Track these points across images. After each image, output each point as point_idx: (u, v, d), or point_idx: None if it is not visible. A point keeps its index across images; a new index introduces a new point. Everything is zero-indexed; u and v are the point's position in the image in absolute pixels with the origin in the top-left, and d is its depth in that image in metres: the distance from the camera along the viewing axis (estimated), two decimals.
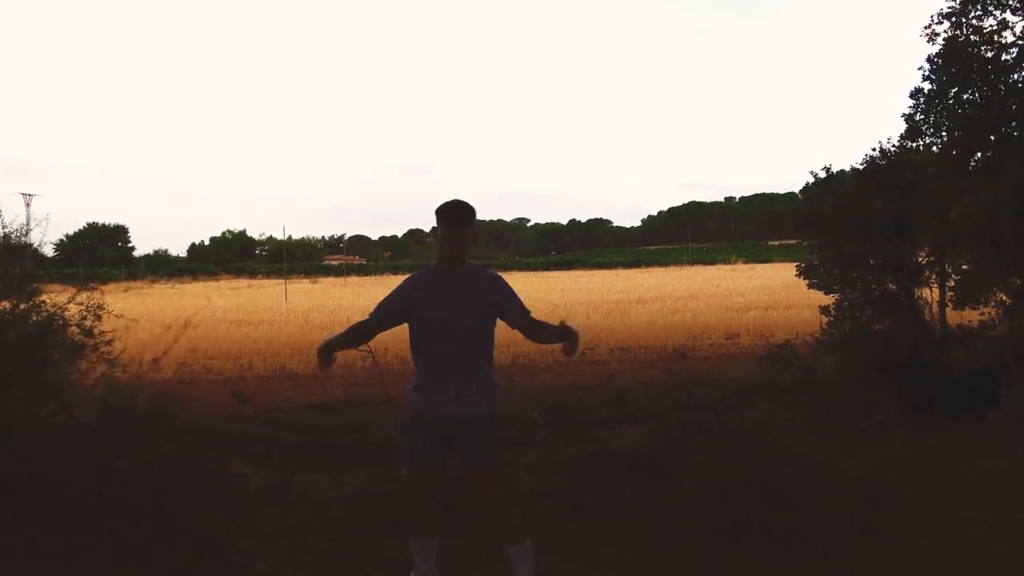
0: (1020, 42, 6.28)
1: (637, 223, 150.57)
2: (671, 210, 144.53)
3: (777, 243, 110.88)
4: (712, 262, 76.71)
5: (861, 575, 3.94)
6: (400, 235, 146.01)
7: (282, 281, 45.08)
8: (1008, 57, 6.19)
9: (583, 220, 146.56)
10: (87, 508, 4.36)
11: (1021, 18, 6.40)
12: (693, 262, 77.06)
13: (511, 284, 3.66)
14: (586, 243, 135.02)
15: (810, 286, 7.66)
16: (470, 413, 3.46)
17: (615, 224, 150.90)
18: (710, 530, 4.37)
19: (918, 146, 6.11)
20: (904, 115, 6.12)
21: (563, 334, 3.43)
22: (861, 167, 7.51)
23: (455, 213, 3.46)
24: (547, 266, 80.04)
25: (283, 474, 5.56)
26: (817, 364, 7.16)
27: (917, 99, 6.03)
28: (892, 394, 6.37)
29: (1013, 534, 4.27)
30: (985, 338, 5.09)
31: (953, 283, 7.04)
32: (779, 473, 4.64)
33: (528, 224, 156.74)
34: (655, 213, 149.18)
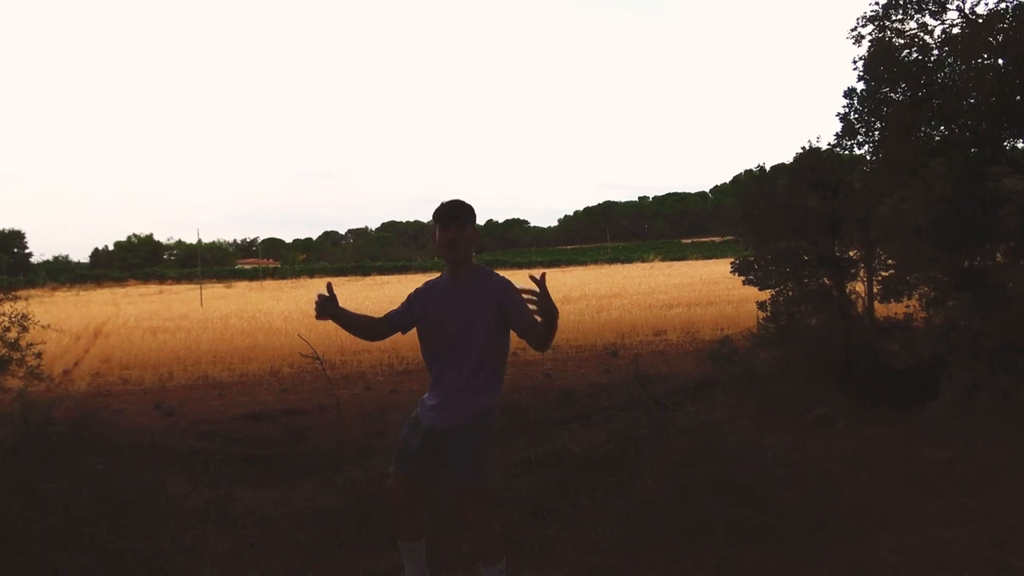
0: (940, 45, 6.50)
1: (554, 223, 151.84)
2: (587, 210, 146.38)
3: (690, 241, 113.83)
4: (630, 260, 78.06)
5: (824, 566, 3.95)
6: (315, 237, 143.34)
7: (195, 286, 43.63)
8: (929, 59, 6.40)
9: (500, 221, 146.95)
10: (12, 536, 4.03)
11: (940, 22, 6.65)
12: (611, 261, 78.18)
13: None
14: (504, 243, 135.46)
15: (745, 282, 7.78)
16: (449, 426, 3.28)
17: (532, 224, 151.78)
18: (675, 529, 4.35)
19: (850, 145, 6.25)
20: (839, 114, 6.27)
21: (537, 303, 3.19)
22: (792, 165, 7.66)
23: (448, 211, 3.30)
24: None
25: (224, 490, 5.28)
26: (755, 359, 7.26)
27: (851, 98, 6.17)
28: (832, 387, 6.50)
29: (963, 520, 4.38)
30: (924, 331, 5.23)
31: (881, 278, 7.29)
32: (739, 470, 4.66)
33: None
34: (571, 213, 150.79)
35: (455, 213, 3.29)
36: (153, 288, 56.04)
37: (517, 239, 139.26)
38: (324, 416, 7.40)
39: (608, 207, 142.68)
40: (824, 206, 7.27)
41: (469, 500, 3.27)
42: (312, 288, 46.55)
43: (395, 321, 3.48)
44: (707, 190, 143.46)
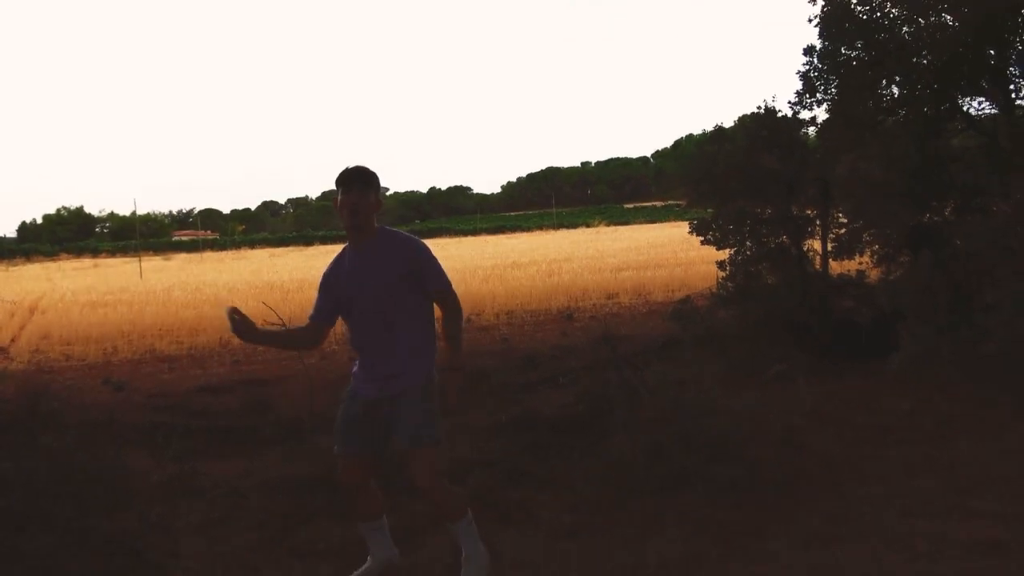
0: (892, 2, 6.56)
1: (497, 189, 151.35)
2: (530, 176, 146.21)
3: (632, 206, 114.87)
4: (575, 226, 78.42)
5: (798, 518, 4.03)
6: (253, 208, 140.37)
7: (131, 259, 42.45)
8: (885, 18, 6.46)
9: (443, 188, 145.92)
10: None
11: None
12: (557, 226, 78.44)
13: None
14: (447, 211, 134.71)
15: (703, 242, 7.82)
16: (392, 394, 3.20)
17: (476, 191, 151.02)
18: (651, 487, 4.39)
19: (811, 102, 6.30)
20: (799, 72, 6.31)
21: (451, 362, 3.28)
22: (748, 125, 7.70)
23: (350, 175, 3.18)
24: (415, 233, 79.20)
25: (188, 464, 5.14)
26: (715, 319, 7.34)
27: (811, 56, 6.21)
28: (791, 344, 6.61)
29: (927, 469, 4.51)
30: (882, 287, 5.33)
31: (834, 236, 7.42)
32: (709, 428, 4.71)
33: (388, 193, 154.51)
34: (515, 179, 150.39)
35: (357, 177, 3.18)
36: (87, 262, 54.30)
37: (461, 206, 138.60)
38: (284, 386, 7.26)
39: (551, 173, 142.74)
40: (781, 165, 7.34)
41: (417, 461, 3.19)
42: (254, 259, 45.82)
43: (320, 316, 3.37)
44: (648, 155, 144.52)
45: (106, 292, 20.64)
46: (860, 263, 7.97)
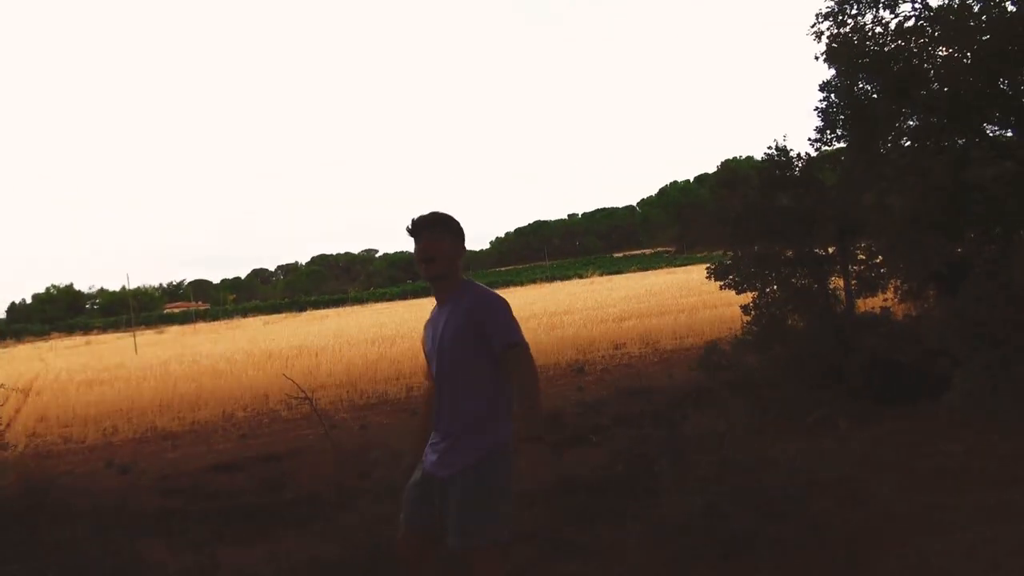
0: (896, 37, 6.46)
1: (486, 246, 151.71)
2: (518, 230, 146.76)
3: (621, 255, 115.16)
4: (567, 277, 78.43)
5: None
6: (244, 276, 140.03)
7: (124, 335, 41.98)
8: (901, 53, 6.34)
9: None
10: None
11: (893, 14, 6.63)
12: (550, 279, 78.42)
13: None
14: None
15: (723, 287, 7.62)
16: (447, 474, 2.83)
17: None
18: (709, 553, 4.08)
19: (831, 138, 6.15)
20: (817, 108, 6.17)
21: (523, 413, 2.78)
22: (763, 165, 7.56)
23: (416, 222, 2.91)
24: (404, 295, 79.07)
25: (205, 552, 4.79)
26: (743, 364, 7.09)
27: (828, 92, 6.08)
28: (826, 387, 6.36)
29: (1004, 517, 4.22)
30: (929, 322, 5.10)
31: (858, 274, 7.22)
32: (766, 482, 4.42)
33: (376, 255, 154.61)
34: (503, 235, 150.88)
35: (427, 222, 2.90)
36: (79, 339, 53.76)
37: None
38: (298, 460, 6.92)
39: (539, 226, 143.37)
40: (797, 204, 7.18)
41: (477, 564, 2.81)
42: (248, 328, 45.42)
43: (429, 374, 3.06)
44: (634, 204, 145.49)
45: (101, 369, 20.23)
46: (885, 300, 7.77)
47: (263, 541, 5.15)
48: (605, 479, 5.05)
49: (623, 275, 66.46)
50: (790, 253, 7.08)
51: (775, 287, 7.11)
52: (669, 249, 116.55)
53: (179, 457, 8.49)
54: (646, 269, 76.28)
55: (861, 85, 5.99)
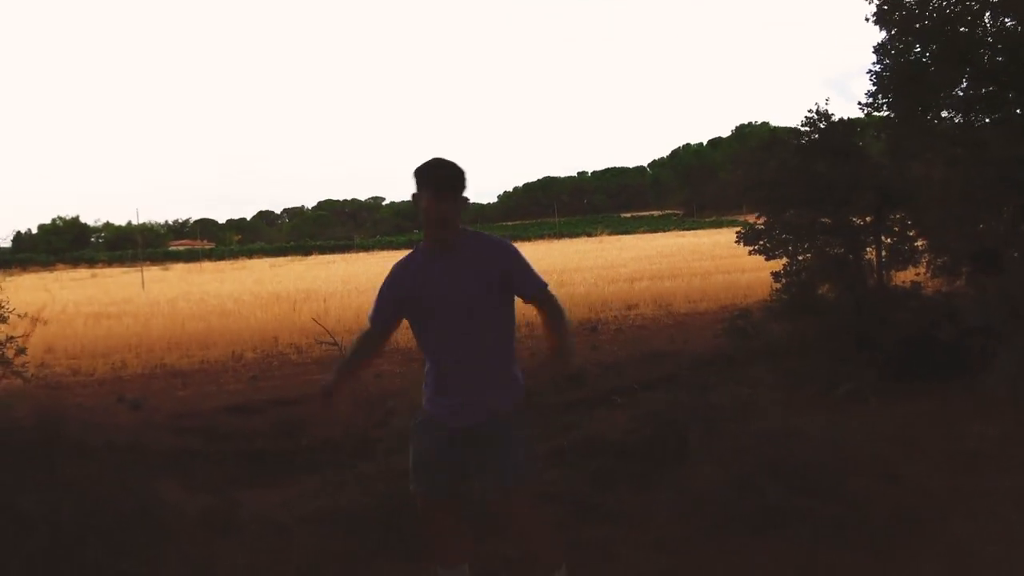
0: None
1: (494, 200, 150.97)
2: (527, 185, 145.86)
3: (630, 215, 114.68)
4: (575, 235, 78.09)
5: (918, 563, 3.62)
6: (249, 217, 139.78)
7: (129, 269, 42.03)
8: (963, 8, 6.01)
9: None
10: None
11: None
12: (558, 236, 78.11)
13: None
14: None
15: (752, 252, 7.43)
16: (483, 421, 2.76)
17: (472, 201, 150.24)
18: (742, 526, 3.98)
19: (883, 103, 5.91)
20: (870, 71, 5.93)
21: (558, 349, 2.79)
22: (802, 130, 7.33)
23: (443, 179, 2.71)
24: (410, 244, 78.46)
25: (223, 495, 4.71)
26: (770, 332, 6.95)
27: (882, 55, 5.84)
28: (856, 360, 6.22)
29: None
30: (975, 302, 4.94)
31: (891, 246, 7.03)
32: (803, 456, 4.30)
33: (383, 203, 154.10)
34: (511, 189, 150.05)
35: (452, 181, 2.71)
36: (84, 272, 53.70)
37: None
38: (311, 406, 6.80)
39: (548, 183, 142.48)
40: (837, 171, 6.96)
41: (518, 500, 2.79)
42: (254, 269, 45.31)
43: (385, 325, 2.95)
44: (645, 165, 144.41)
45: (108, 303, 20.20)
46: (917, 274, 7.59)
47: (280, 485, 5.09)
48: (631, 443, 4.93)
49: (632, 235, 66.14)
50: (826, 220, 6.88)
51: (808, 255, 6.93)
52: (677, 212, 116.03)
53: (190, 395, 8.42)
54: (655, 231, 75.95)
55: (917, 49, 5.73)
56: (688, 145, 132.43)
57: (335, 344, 4.33)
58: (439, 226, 2.72)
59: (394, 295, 2.87)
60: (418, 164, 2.74)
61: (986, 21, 5.55)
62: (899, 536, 3.84)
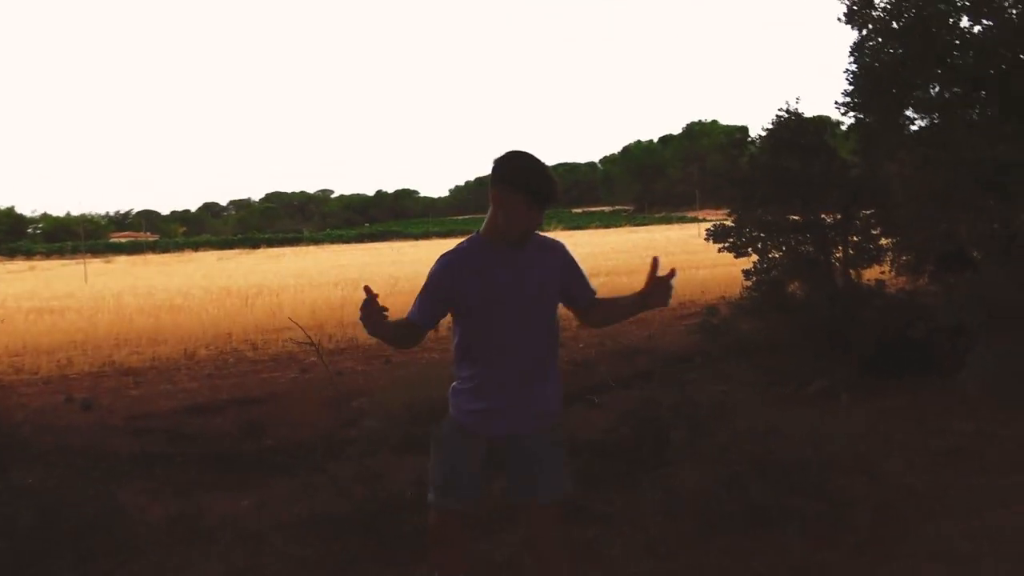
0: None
1: (445, 193, 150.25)
2: (478, 179, 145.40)
3: (581, 210, 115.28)
4: None
5: (901, 560, 3.61)
6: (194, 209, 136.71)
7: (69, 262, 40.70)
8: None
9: (390, 191, 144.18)
10: None
11: None
12: None
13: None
14: (394, 214, 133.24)
15: (721, 249, 7.41)
16: (532, 430, 2.62)
17: (423, 194, 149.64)
18: (727, 524, 3.93)
19: (858, 103, 5.93)
20: (847, 71, 5.95)
21: (653, 289, 2.63)
22: (771, 128, 7.34)
23: (552, 192, 2.58)
24: (361, 238, 78.01)
25: (189, 500, 4.50)
26: (741, 330, 6.95)
27: (858, 54, 5.86)
28: (827, 357, 6.26)
29: (1016, 501, 4.14)
30: (947, 301, 4.98)
31: (857, 244, 7.09)
32: (786, 454, 4.28)
33: (332, 195, 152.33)
34: (462, 183, 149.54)
35: (556, 198, 2.60)
36: (22, 264, 51.86)
37: (407, 209, 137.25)
38: (277, 405, 6.63)
39: None
40: (808, 169, 7.00)
41: (550, 516, 2.66)
42: (202, 262, 44.26)
43: (427, 321, 2.68)
44: (596, 160, 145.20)
45: (50, 297, 19.49)
46: (882, 272, 7.68)
47: (248, 489, 4.89)
48: (612, 442, 4.86)
49: (585, 231, 66.35)
50: (796, 218, 6.91)
51: (779, 252, 6.95)
52: (628, 208, 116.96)
53: (144, 395, 8.12)
54: (607, 227, 76.37)
55: (890, 50, 5.76)
56: (639, 142, 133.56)
57: (312, 345, 4.16)
58: (526, 236, 2.60)
59: (447, 286, 2.62)
60: (511, 157, 2.59)
61: (961, 24, 5.59)
62: (884, 535, 3.83)
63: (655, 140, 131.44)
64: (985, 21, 5.22)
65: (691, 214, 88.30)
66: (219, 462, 5.29)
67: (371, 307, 2.45)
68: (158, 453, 5.23)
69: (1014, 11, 5.10)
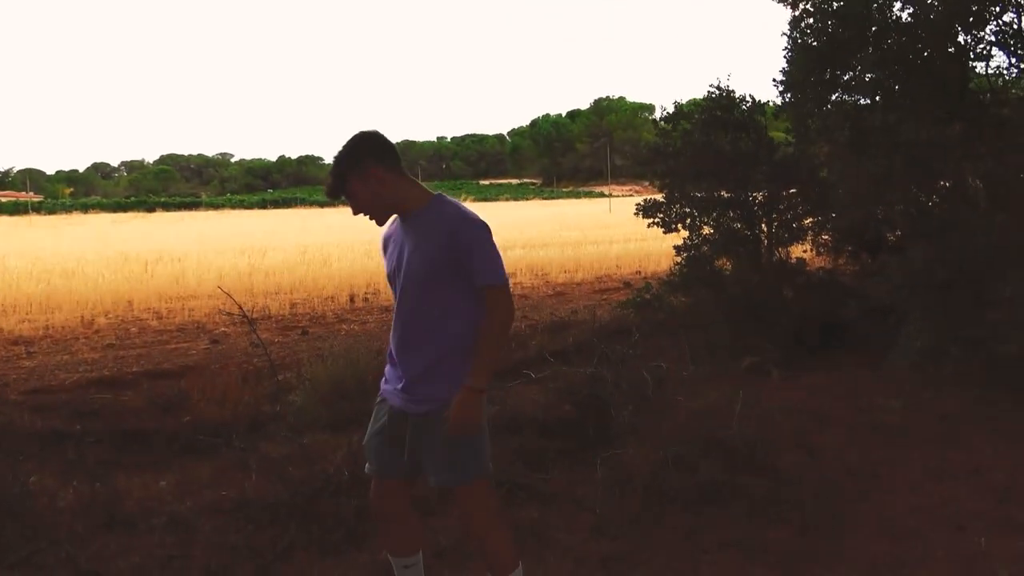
0: None
1: None
2: None
3: (488, 182, 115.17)
4: None
5: (850, 540, 3.65)
6: (82, 169, 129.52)
7: None
8: None
9: (293, 157, 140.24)
10: None
11: None
12: None
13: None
14: (297, 180, 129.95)
15: (651, 225, 7.39)
16: (423, 409, 2.50)
17: (327, 162, 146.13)
18: (674, 503, 3.90)
19: (790, 83, 5.95)
20: (784, 48, 5.95)
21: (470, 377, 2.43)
22: (703, 104, 7.35)
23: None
24: (264, 204, 75.58)
25: (103, 482, 4.14)
26: (670, 305, 6.97)
27: (794, 32, 5.88)
28: (756, 334, 6.33)
29: (953, 475, 4.27)
30: (883, 280, 5.07)
31: (783, 222, 7.19)
32: (727, 432, 4.27)
33: (232, 160, 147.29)
34: None
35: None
36: None
37: (312, 176, 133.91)
38: (189, 380, 6.22)
39: (406, 146, 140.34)
40: (739, 147, 7.04)
41: (466, 499, 2.57)
42: (93, 225, 41.88)
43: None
44: (504, 133, 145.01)
45: None
46: (804, 251, 7.84)
47: (166, 471, 4.56)
48: (555, 420, 4.75)
49: (494, 203, 66.21)
50: (726, 195, 6.94)
51: (710, 229, 6.98)
52: (535, 181, 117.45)
53: (39, 366, 7.53)
54: (516, 199, 76.44)
55: (830, 30, 5.78)
56: (547, 115, 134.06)
57: (246, 318, 3.85)
58: (353, 209, 2.57)
59: (386, 268, 2.67)
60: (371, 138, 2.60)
61: (893, 8, 5.65)
62: (827, 512, 3.86)
63: (563, 114, 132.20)
64: (911, 7, 5.31)
65: (598, 189, 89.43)
66: (133, 440, 4.92)
67: None
68: (63, 431, 4.81)
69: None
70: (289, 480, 4.00)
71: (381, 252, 2.71)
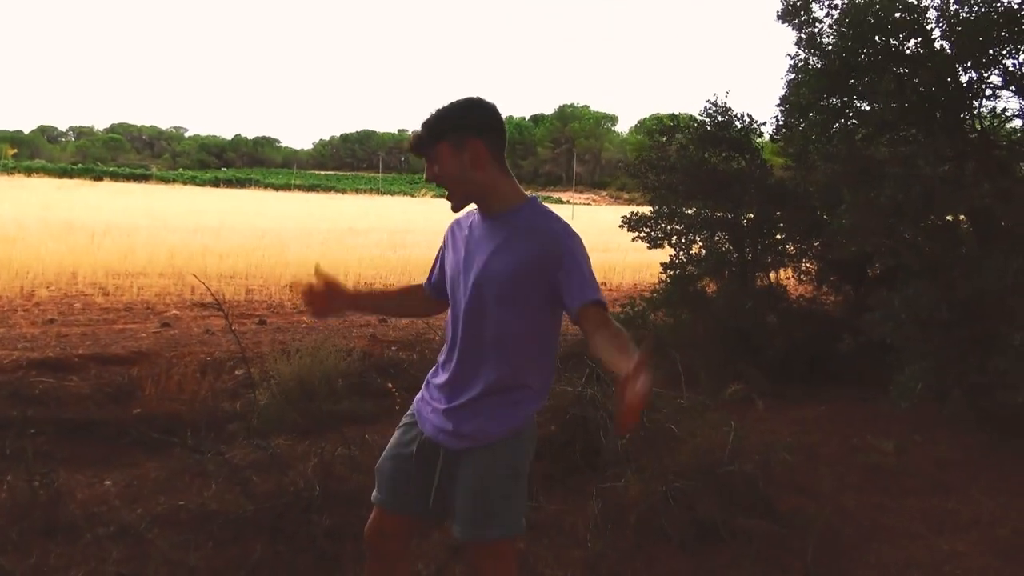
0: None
1: (308, 146, 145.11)
2: (344, 136, 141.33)
3: None
4: (393, 193, 76.61)
5: None
6: (27, 131, 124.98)
7: None
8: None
9: (250, 137, 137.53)
10: None
11: None
12: (380, 192, 76.21)
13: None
14: (252, 161, 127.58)
15: (635, 239, 7.15)
16: (462, 446, 2.13)
17: (284, 144, 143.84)
18: (669, 541, 3.66)
19: (795, 104, 5.76)
20: (791, 66, 5.76)
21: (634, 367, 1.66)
22: (698, 121, 7.14)
23: (413, 141, 2.20)
24: (217, 182, 73.77)
25: (42, 479, 3.71)
26: (654, 325, 6.74)
27: (803, 49, 5.70)
28: (742, 361, 6.14)
29: (953, 527, 4.11)
30: (880, 314, 4.90)
31: (770, 245, 7.03)
32: (728, 470, 4.03)
33: (186, 134, 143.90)
34: (327, 138, 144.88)
35: (418, 142, 2.16)
36: None
37: (268, 158, 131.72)
38: (141, 367, 5.77)
39: (367, 136, 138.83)
40: (732, 166, 6.86)
41: (485, 560, 2.18)
42: (36, 190, 40.06)
43: (431, 286, 2.37)
44: None
45: None
46: (787, 278, 7.70)
47: (114, 469, 4.16)
48: (541, 442, 4.45)
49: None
50: (716, 214, 6.75)
51: (698, 248, 6.78)
52: None
53: None
54: None
55: (844, 54, 5.60)
56: (511, 118, 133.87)
57: (220, 310, 3.49)
58: (428, 175, 2.20)
59: (441, 254, 2.34)
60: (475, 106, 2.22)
61: (891, 42, 5.48)
62: (828, 560, 3.66)
63: (527, 118, 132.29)
64: (914, 40, 5.16)
65: (556, 195, 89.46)
66: (75, 432, 4.49)
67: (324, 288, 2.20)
68: (1, 418, 4.36)
69: (937, 31, 5.06)
70: (253, 493, 3.64)
71: (444, 244, 2.30)
